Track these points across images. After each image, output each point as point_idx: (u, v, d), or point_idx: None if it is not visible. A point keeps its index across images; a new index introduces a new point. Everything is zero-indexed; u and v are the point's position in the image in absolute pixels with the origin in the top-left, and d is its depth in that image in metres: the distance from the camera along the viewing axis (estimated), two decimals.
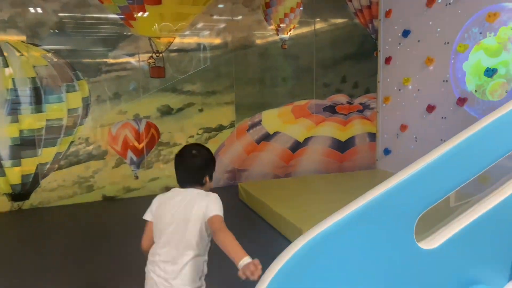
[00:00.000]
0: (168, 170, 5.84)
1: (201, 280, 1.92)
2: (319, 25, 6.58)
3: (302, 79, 6.55)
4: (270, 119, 6.43)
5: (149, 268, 1.94)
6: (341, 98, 6.83)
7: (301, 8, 6.36)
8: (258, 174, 6.38)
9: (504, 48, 4.27)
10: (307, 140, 6.65)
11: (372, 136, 6.63)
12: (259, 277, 1.50)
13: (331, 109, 6.77)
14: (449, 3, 4.89)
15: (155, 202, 2.01)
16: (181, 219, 1.89)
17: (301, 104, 6.60)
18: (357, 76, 6.81)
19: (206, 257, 1.95)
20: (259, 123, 6.40)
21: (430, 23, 5.17)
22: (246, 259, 1.61)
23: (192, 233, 1.87)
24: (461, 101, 4.81)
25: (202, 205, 1.89)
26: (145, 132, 5.70)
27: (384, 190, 1.59)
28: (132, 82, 5.62)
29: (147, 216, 2.00)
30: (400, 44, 5.73)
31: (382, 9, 6.06)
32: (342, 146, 6.81)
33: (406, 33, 5.57)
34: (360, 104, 6.89)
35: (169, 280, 1.85)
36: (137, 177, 5.73)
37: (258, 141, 6.41)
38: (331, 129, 6.76)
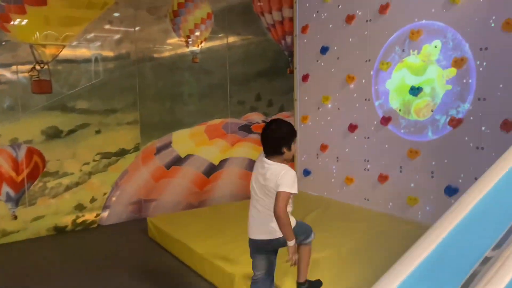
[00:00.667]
0: (57, 206, 4.78)
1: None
2: (232, 38, 6.10)
3: (215, 96, 5.98)
4: (181, 140, 5.72)
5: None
6: (256, 117, 6.40)
7: (212, 20, 5.82)
8: (168, 204, 5.60)
9: (428, 66, 4.17)
10: (222, 162, 6.06)
11: None
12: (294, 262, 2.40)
13: (247, 129, 6.29)
14: (369, 20, 4.73)
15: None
16: (262, 185, 2.47)
17: (215, 123, 6.01)
18: (272, 93, 6.45)
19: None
20: (168, 145, 5.65)
21: (350, 39, 4.98)
22: (291, 243, 2.37)
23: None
24: (385, 120, 4.64)
25: (274, 176, 2.41)
26: (26, 161, 4.60)
27: None
28: (7, 98, 4.52)
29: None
30: (318, 61, 5.47)
31: (297, 24, 5.78)
32: None
33: (324, 50, 5.33)
34: None
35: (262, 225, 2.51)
36: (15, 217, 4.57)
37: (168, 166, 5.65)
38: (247, 150, 6.26)
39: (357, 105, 4.97)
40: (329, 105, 5.36)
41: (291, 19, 6.09)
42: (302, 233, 2.59)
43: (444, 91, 4.07)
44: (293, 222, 2.49)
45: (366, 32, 4.79)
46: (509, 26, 3.50)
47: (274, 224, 2.39)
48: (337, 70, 5.19)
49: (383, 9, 4.54)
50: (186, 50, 5.69)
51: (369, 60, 4.78)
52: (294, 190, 2.36)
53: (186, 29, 5.66)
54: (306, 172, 5.78)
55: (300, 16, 5.74)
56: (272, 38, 6.39)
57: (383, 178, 4.72)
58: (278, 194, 2.34)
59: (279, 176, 2.38)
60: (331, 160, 5.39)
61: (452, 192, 4.04)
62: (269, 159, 2.47)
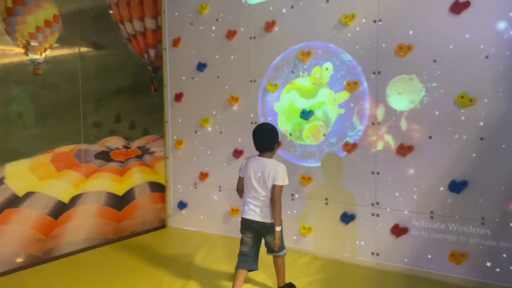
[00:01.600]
0: None
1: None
2: (86, 48, 5.06)
3: (65, 117, 4.81)
4: (19, 174, 4.39)
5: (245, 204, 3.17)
6: (117, 142, 5.41)
7: (59, 24, 4.71)
8: (1, 258, 4.20)
9: (320, 89, 4.01)
10: (74, 199, 4.88)
11: (156, 187, 5.47)
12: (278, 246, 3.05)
13: (105, 156, 5.25)
14: (254, 37, 4.39)
15: (243, 162, 3.21)
16: (261, 180, 3.05)
17: (65, 151, 4.82)
18: (134, 114, 5.57)
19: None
20: (0, 181, 4.27)
21: (232, 57, 4.56)
22: (278, 228, 3.04)
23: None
24: None
25: (272, 172, 3.03)
26: None
27: None
28: None
29: (240, 173, 3.22)
30: (194, 78, 4.89)
31: (167, 36, 5.12)
32: (120, 202, 5.35)
33: (201, 67, 4.79)
34: (139, 148, 5.64)
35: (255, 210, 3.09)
36: None
37: (0, 209, 4.26)
38: (106, 182, 5.21)
39: (242, 128, 4.54)
40: (209, 128, 4.81)
41: (155, 31, 5.39)
42: (282, 244, 3.17)
43: (337, 115, 3.94)
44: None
45: (252, 53, 4.43)
46: (402, 51, 3.54)
47: (267, 211, 3.06)
48: (218, 89, 4.69)
49: (269, 26, 4.26)
50: (25, 58, 4.45)
51: (255, 81, 4.43)
52: (286, 182, 3.05)
53: (25, 32, 4.43)
54: (182, 205, 5.08)
55: (171, 27, 5.09)
56: (134, 50, 5.55)
57: None
58: (275, 187, 3.01)
59: (276, 170, 3.02)
60: (213, 190, 4.83)
61: (348, 219, 3.90)
62: (263, 156, 3.11)
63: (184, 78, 4.98)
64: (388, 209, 3.69)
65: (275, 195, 2.99)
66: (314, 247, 4.12)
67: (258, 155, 3.12)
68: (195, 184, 4.96)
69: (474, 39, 3.23)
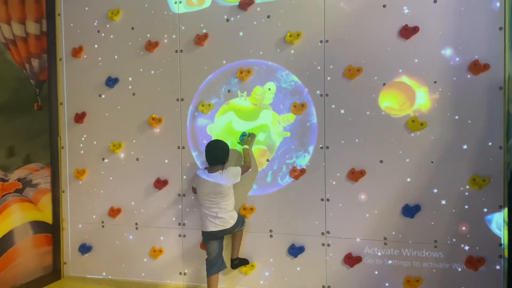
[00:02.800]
0: None
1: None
2: None
3: None
4: None
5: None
6: None
7: None
8: None
9: (262, 110, 3.68)
10: None
11: (41, 227, 4.39)
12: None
13: None
14: (181, 50, 3.86)
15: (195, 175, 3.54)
16: (216, 191, 3.38)
17: None
18: (13, 138, 4.44)
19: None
20: None
21: (153, 72, 3.93)
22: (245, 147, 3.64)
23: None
24: None
25: (226, 175, 3.40)
26: None
27: None
28: None
29: (193, 184, 3.59)
30: (101, 95, 4.10)
31: (63, 45, 4.23)
32: None
33: (112, 82, 4.04)
34: (19, 180, 4.49)
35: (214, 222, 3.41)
36: None
37: None
38: None
39: (166, 154, 3.92)
40: (122, 155, 4.05)
41: (39, 37, 4.43)
42: (240, 222, 3.52)
43: (281, 139, 3.64)
44: (235, 215, 3.47)
45: (178, 68, 3.88)
46: (350, 74, 3.43)
47: (225, 215, 3.38)
48: (135, 109, 3.99)
49: (200, 40, 3.78)
50: None
51: (183, 99, 3.87)
52: (238, 179, 3.46)
53: None
54: (85, 249, 4.16)
55: (69, 34, 4.21)
56: (13, 60, 4.46)
57: None
58: (239, 169, 3.48)
59: (226, 173, 3.40)
60: (127, 229, 4.04)
61: (296, 251, 3.60)
62: (212, 172, 3.42)
63: (87, 94, 4.14)
64: (340, 238, 3.50)
65: (245, 166, 3.58)
66: (258, 286, 3.69)
67: (208, 169, 3.46)
68: (103, 222, 4.11)
69: (423, 64, 3.28)
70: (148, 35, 3.93)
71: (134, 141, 4.01)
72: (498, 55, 3.12)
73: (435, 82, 3.27)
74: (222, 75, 3.77)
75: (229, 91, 3.75)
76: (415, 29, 3.28)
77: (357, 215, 3.45)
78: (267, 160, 3.67)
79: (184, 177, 3.86)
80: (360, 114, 3.43)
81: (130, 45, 3.99)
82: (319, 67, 3.52)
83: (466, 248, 3.24)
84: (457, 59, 3.21)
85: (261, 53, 3.65)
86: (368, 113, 3.41)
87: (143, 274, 4.00)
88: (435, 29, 3.25)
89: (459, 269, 3.25)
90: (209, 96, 3.80)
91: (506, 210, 3.12)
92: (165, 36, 3.89)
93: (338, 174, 3.49)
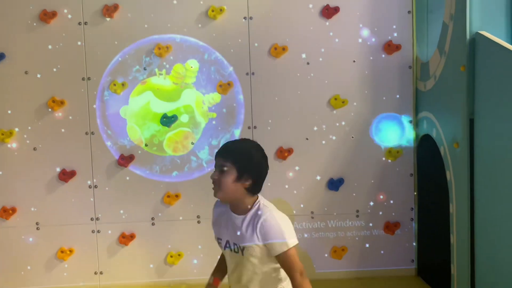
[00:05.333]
0: None
1: None
2: None
3: None
4: None
5: None
6: None
7: None
8: None
9: (184, 90, 3.45)
10: None
11: None
12: None
13: None
14: (85, 23, 3.39)
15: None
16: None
17: None
18: None
19: None
20: None
21: (51, 46, 3.38)
22: None
23: None
24: (125, 159, 3.46)
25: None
26: None
27: None
28: None
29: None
30: None
31: None
32: None
33: None
34: None
35: None
36: None
37: None
38: None
39: (72, 142, 3.44)
40: (14, 145, 3.43)
41: None
42: None
43: (207, 120, 3.48)
44: None
45: (79, 42, 3.39)
46: (276, 52, 3.42)
47: None
48: (28, 89, 3.40)
49: (109, 11, 3.36)
50: None
51: (89, 79, 3.42)
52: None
53: None
54: None
55: None
56: None
57: (127, 239, 3.49)
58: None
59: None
60: (26, 230, 3.47)
61: None
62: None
63: None
64: None
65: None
66: (187, 274, 3.52)
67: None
68: None
69: (343, 44, 3.43)
70: (43, 4, 3.35)
71: (29, 127, 3.42)
72: (408, 36, 3.42)
73: (354, 61, 3.44)
74: (137, 51, 3.42)
75: (145, 69, 3.43)
76: (336, 10, 3.40)
77: (286, 193, 3.50)
78: (192, 143, 3.48)
79: (106, 164, 3.44)
80: (286, 93, 3.45)
81: (21, 16, 3.35)
82: (244, 45, 3.42)
83: (384, 214, 3.53)
84: (373, 39, 3.43)
85: (182, 28, 3.40)
86: (293, 91, 3.45)
87: (49, 280, 3.49)
88: (354, 11, 3.41)
89: (379, 235, 3.54)
90: (121, 74, 3.42)
91: (415, 177, 3.49)
92: (65, 5, 3.36)
93: (267, 153, 3.48)
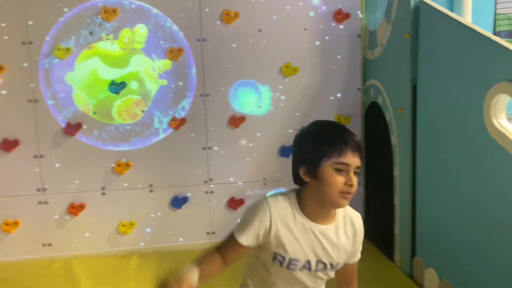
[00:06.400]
0: None
1: None
2: None
3: None
4: None
5: None
6: None
7: None
8: None
9: (133, 56, 3.35)
10: None
11: None
12: None
13: None
14: None
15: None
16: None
17: None
18: None
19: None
20: None
21: (21, 5, 3.16)
22: None
23: None
24: (72, 128, 3.34)
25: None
26: None
27: None
28: None
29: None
30: None
31: None
32: None
33: None
34: None
35: None
36: None
37: None
38: None
39: (13, 110, 3.27)
40: None
41: None
42: None
43: (157, 87, 3.41)
44: None
45: (22, 5, 3.18)
46: (228, 18, 3.38)
47: None
48: None
49: None
50: None
51: (31, 43, 3.24)
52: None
53: None
54: None
55: None
56: None
57: (76, 209, 3.41)
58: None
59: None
60: None
61: (180, 203, 3.52)
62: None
63: None
64: (223, 184, 3.54)
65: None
66: (141, 243, 3.51)
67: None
68: None
69: (294, 12, 3.44)
70: None
71: None
72: (357, 5, 3.48)
73: (305, 29, 3.47)
74: (82, 14, 3.26)
75: (91, 33, 3.28)
76: None
77: (239, 160, 3.53)
78: (143, 111, 3.41)
79: (53, 133, 3.30)
80: (238, 60, 3.44)
81: None
82: (194, 10, 3.35)
83: None
84: (324, 7, 3.46)
85: None
86: (246, 59, 3.44)
87: None
88: None
89: None
90: (66, 38, 3.26)
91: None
92: None
93: (219, 122, 3.48)
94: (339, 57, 3.52)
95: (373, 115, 3.45)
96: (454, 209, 2.45)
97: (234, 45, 3.41)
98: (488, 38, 2.07)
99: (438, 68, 2.57)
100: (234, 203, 3.56)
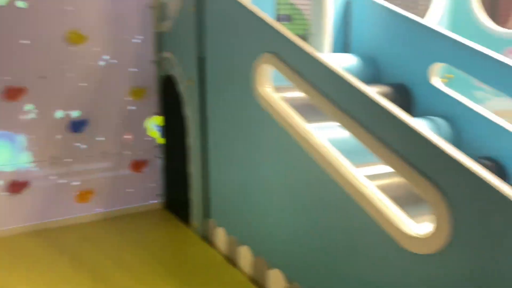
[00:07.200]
0: None
1: None
2: None
3: None
4: None
5: None
6: None
7: None
8: None
9: None
10: None
11: None
12: None
13: None
14: None
15: None
16: None
17: None
18: None
19: None
20: None
21: None
22: None
23: None
24: None
25: None
26: None
27: None
28: None
29: None
30: None
31: None
32: None
33: None
34: None
35: None
36: None
37: None
38: None
39: None
40: None
41: None
42: None
43: None
44: None
45: None
46: None
47: None
48: None
49: None
50: None
51: None
52: None
53: None
54: None
55: None
56: None
57: None
58: None
59: None
60: None
61: None
62: None
63: None
64: (2, 166, 3.11)
65: None
66: None
67: None
68: None
69: None
70: None
71: None
72: None
73: None
74: None
75: None
76: None
77: (20, 138, 3.14)
78: None
79: None
80: (16, 24, 3.01)
81: None
82: None
83: (131, 154, 3.59)
84: None
85: None
86: (25, 23, 3.04)
87: None
88: None
89: (126, 174, 3.59)
90: None
91: (158, 116, 3.65)
92: None
93: None
94: (132, 28, 3.43)
95: (169, 88, 3.50)
96: (235, 173, 2.71)
97: (10, 7, 2.97)
98: (256, 15, 2.31)
99: (221, 42, 2.75)
100: (15, 187, 3.18)
